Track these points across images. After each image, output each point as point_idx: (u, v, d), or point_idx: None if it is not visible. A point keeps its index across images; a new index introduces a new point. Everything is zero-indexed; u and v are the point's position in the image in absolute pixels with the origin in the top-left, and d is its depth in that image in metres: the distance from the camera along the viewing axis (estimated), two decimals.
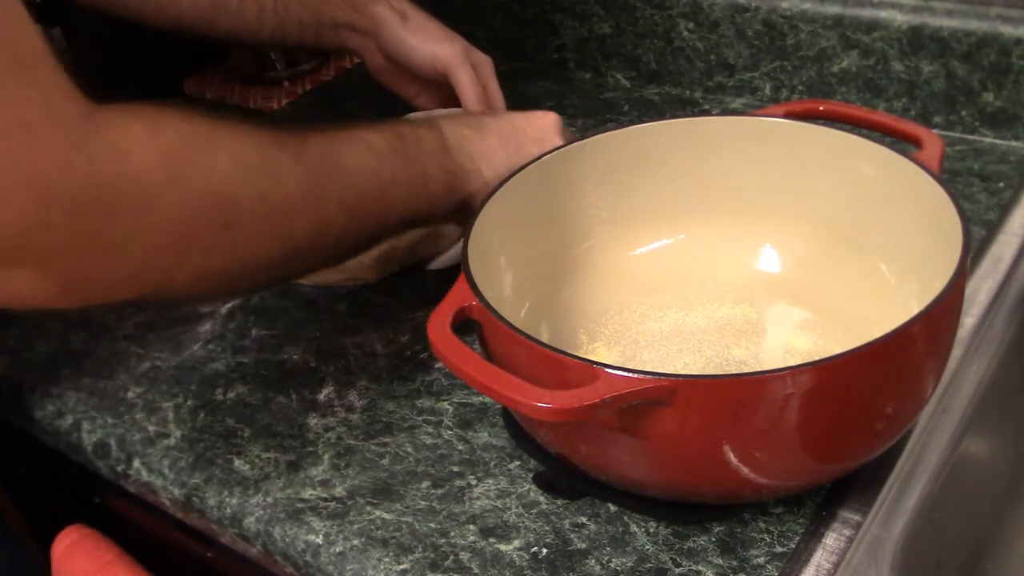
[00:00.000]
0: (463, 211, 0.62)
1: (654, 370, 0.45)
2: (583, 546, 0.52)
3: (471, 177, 0.62)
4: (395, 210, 0.58)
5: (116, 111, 0.45)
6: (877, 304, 0.58)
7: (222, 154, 0.48)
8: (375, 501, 0.56)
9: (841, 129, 0.59)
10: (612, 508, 0.54)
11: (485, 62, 0.79)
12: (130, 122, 0.45)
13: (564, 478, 0.54)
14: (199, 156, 0.47)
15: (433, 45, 0.77)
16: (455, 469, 0.57)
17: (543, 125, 0.66)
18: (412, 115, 0.80)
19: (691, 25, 0.90)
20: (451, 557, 0.52)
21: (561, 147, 0.61)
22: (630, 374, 0.43)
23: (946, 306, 0.47)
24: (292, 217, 0.51)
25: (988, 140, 0.81)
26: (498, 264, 0.59)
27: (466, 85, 0.76)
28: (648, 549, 0.51)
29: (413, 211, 0.59)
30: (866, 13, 0.81)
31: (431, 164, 0.60)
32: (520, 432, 0.56)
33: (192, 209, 0.46)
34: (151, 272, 0.46)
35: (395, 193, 0.57)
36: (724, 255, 0.65)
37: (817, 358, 0.43)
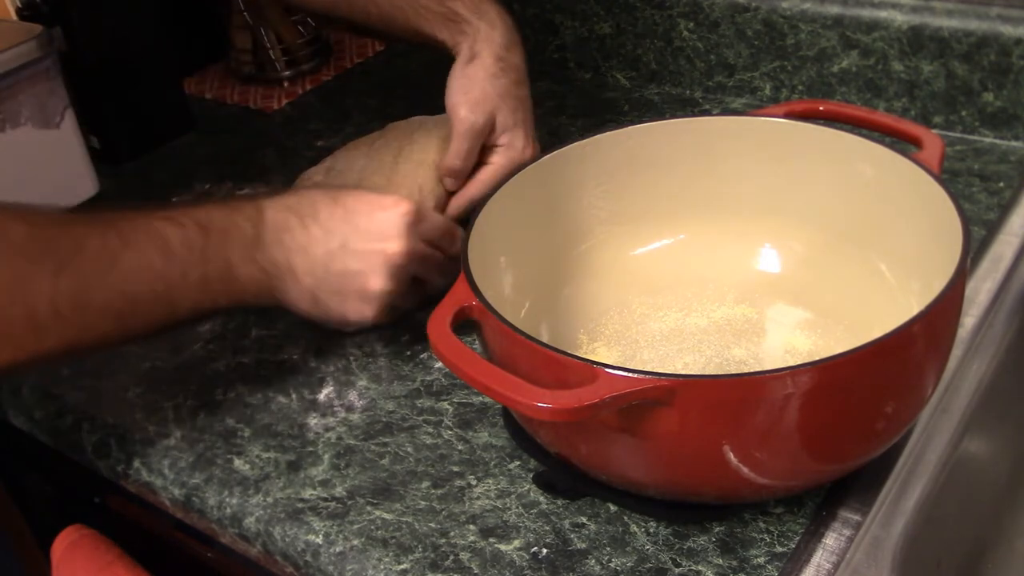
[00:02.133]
0: (282, 304, 0.60)
1: (654, 370, 0.45)
2: (583, 546, 0.52)
3: (284, 276, 0.58)
4: (183, 308, 0.55)
5: None
6: (877, 304, 0.58)
7: None
8: (375, 501, 0.56)
9: (841, 129, 0.59)
10: (612, 508, 0.54)
11: (509, 152, 0.71)
12: None
13: (564, 478, 0.54)
14: None
15: (458, 101, 0.70)
16: (455, 469, 0.57)
17: (384, 221, 0.59)
18: (410, 118, 0.80)
19: (691, 25, 0.90)
20: (451, 557, 0.52)
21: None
22: (630, 374, 0.43)
23: (946, 306, 0.47)
24: (40, 333, 0.50)
25: (988, 140, 0.81)
26: (498, 264, 0.59)
27: (449, 152, 0.71)
28: (648, 549, 0.51)
29: (210, 307, 0.57)
30: (866, 13, 0.81)
31: (238, 260, 0.56)
32: (520, 432, 0.56)
33: None
34: None
35: (184, 293, 0.55)
36: (724, 255, 0.65)
37: (817, 358, 0.43)
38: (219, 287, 0.56)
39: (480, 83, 0.70)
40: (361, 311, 0.60)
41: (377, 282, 0.59)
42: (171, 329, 0.56)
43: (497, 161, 0.72)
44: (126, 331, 0.54)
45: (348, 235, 0.58)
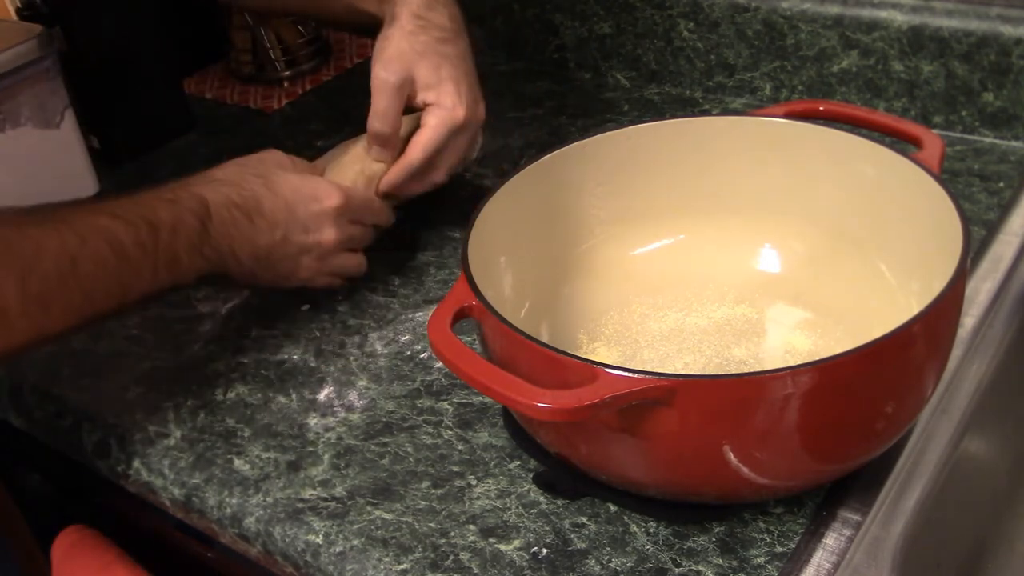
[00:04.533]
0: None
1: (654, 370, 0.45)
2: (583, 546, 0.52)
3: (227, 262, 0.62)
4: (132, 298, 0.58)
5: None
6: (877, 304, 0.58)
7: None
8: (375, 501, 0.56)
9: (841, 129, 0.59)
10: (612, 508, 0.54)
11: (439, 111, 0.70)
12: None
13: (564, 478, 0.54)
14: None
15: (374, 62, 0.70)
16: (455, 469, 0.57)
17: (319, 212, 0.65)
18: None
19: (691, 25, 0.90)
20: (451, 557, 0.52)
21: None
22: (630, 374, 0.43)
23: (946, 306, 0.47)
24: (9, 331, 0.52)
25: (988, 140, 0.81)
26: (498, 264, 0.59)
27: (370, 113, 0.70)
28: (648, 549, 0.51)
29: (156, 292, 0.59)
30: (866, 13, 0.81)
31: (184, 252, 0.59)
32: (520, 432, 0.56)
33: None
34: None
35: (134, 285, 0.58)
36: (724, 255, 0.65)
37: (817, 358, 0.43)
38: (165, 275, 0.59)
39: (395, 41, 0.70)
40: (297, 281, 0.68)
41: (312, 265, 0.67)
42: (118, 316, 0.60)
43: (429, 122, 0.71)
44: (83, 324, 0.56)
45: (288, 227, 0.64)
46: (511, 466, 0.57)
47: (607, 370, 0.44)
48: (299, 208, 0.64)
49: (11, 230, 0.53)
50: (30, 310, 0.52)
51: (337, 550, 0.54)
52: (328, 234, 0.66)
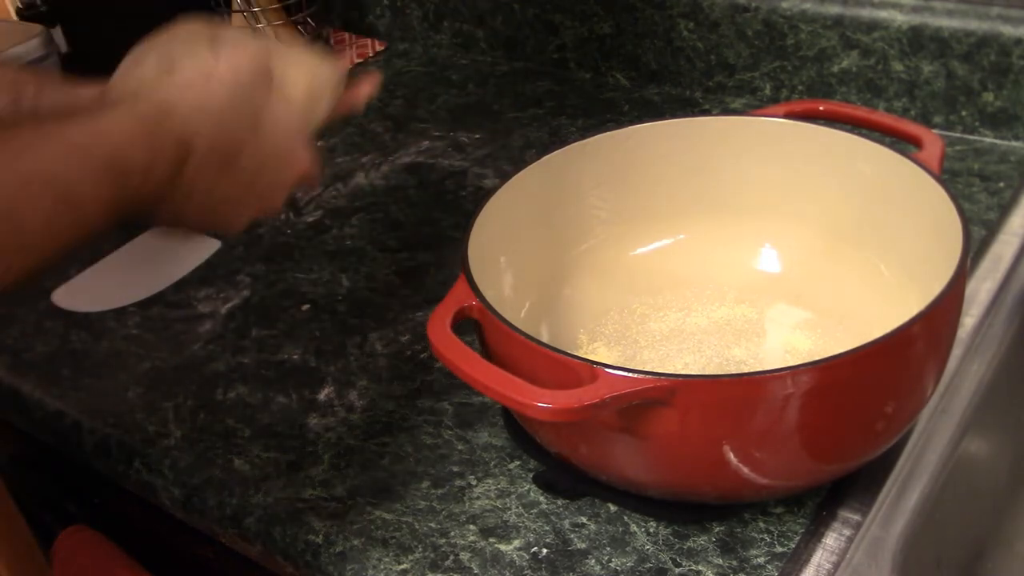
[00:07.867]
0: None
1: (654, 370, 0.45)
2: (583, 546, 0.52)
3: (175, 204, 0.51)
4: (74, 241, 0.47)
5: None
6: (877, 304, 0.58)
7: None
8: (375, 501, 0.56)
9: (841, 129, 0.59)
10: (612, 508, 0.54)
11: None
12: None
13: (564, 478, 0.54)
14: None
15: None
16: (455, 469, 0.57)
17: (283, 183, 0.55)
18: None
19: (691, 25, 0.90)
20: (451, 557, 0.52)
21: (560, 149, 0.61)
22: (630, 374, 0.43)
23: (946, 306, 0.47)
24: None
25: (988, 140, 0.81)
26: (498, 264, 0.59)
27: None
28: (648, 549, 0.51)
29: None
30: (866, 13, 0.81)
31: (146, 199, 0.49)
32: (520, 432, 0.56)
33: None
34: None
35: (82, 234, 0.46)
36: (724, 255, 0.65)
37: (817, 358, 0.43)
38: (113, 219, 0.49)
39: None
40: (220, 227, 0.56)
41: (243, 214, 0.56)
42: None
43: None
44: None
45: (251, 188, 0.54)
46: (511, 466, 0.57)
47: (607, 370, 0.44)
48: (267, 173, 0.54)
49: None
50: None
51: (337, 550, 0.54)
52: (277, 202, 0.56)
